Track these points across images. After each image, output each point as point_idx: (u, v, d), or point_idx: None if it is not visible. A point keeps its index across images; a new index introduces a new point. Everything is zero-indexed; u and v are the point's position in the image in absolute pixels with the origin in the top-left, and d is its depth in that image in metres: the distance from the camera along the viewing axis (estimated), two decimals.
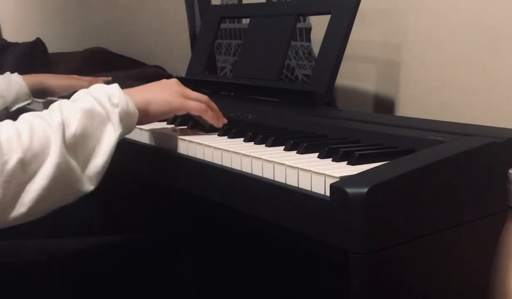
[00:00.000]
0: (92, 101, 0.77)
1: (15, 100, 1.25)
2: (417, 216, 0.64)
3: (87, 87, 1.23)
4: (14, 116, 1.17)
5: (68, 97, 0.85)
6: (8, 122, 0.73)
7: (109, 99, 0.79)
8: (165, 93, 0.88)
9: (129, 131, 0.82)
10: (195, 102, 0.91)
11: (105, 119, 0.77)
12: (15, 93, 1.25)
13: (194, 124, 0.98)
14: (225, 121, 0.96)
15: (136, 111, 0.82)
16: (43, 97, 1.35)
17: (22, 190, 0.69)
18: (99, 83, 1.24)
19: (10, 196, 0.68)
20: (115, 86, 0.82)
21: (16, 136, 0.70)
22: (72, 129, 0.74)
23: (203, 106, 0.91)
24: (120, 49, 2.21)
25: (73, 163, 0.73)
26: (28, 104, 1.29)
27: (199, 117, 0.93)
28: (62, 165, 0.71)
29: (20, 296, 0.90)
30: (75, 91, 1.25)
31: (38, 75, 1.34)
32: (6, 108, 1.25)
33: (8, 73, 1.29)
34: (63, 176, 0.72)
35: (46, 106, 1.31)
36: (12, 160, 0.68)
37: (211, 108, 0.94)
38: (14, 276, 0.90)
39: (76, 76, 1.42)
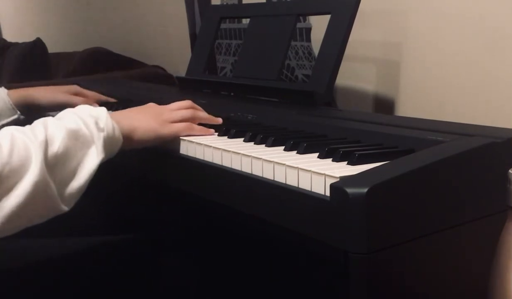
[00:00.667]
0: (78, 122, 0.76)
1: None
2: (417, 216, 0.64)
3: (77, 104, 1.23)
4: None
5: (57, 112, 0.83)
6: None
7: (96, 122, 0.78)
8: (151, 120, 0.87)
9: (111, 155, 0.81)
10: (180, 124, 0.90)
11: (89, 142, 0.76)
12: None
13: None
14: (219, 121, 0.95)
15: (121, 137, 0.81)
16: (30, 112, 1.22)
17: None
18: (92, 100, 1.23)
19: None
20: (103, 109, 0.81)
21: None
22: (55, 148, 0.72)
23: (188, 125, 0.90)
24: (120, 49, 2.21)
25: (51, 183, 0.71)
26: (15, 120, 1.18)
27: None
28: (40, 183, 0.69)
29: (20, 296, 0.90)
30: (65, 107, 1.24)
31: (25, 90, 1.21)
32: None
33: None
34: (39, 195, 0.70)
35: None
36: None
37: (199, 119, 0.93)
38: (13, 276, 0.90)
39: (69, 89, 1.27)
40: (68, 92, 1.23)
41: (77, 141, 0.75)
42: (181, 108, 0.93)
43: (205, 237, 1.19)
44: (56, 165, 0.72)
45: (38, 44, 2.13)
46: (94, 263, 0.98)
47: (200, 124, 0.94)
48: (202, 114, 0.95)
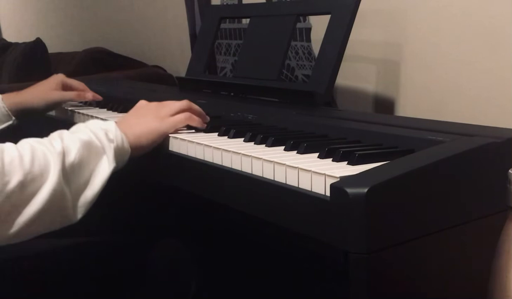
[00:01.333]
0: (90, 134, 0.80)
1: None
2: (417, 216, 0.64)
3: (73, 100, 1.22)
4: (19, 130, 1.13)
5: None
6: (10, 144, 0.74)
7: (106, 134, 0.82)
8: (150, 121, 0.90)
9: (121, 166, 0.84)
10: (177, 116, 0.93)
11: (101, 153, 0.80)
12: None
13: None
14: (207, 119, 0.98)
15: (129, 148, 0.85)
16: (26, 116, 1.21)
17: (18, 212, 0.71)
18: (86, 93, 1.24)
19: (5, 216, 0.70)
20: (111, 123, 0.85)
21: (19, 158, 0.72)
22: (71, 158, 0.76)
23: (187, 115, 0.94)
24: (120, 49, 2.21)
25: (67, 191, 0.75)
26: (11, 125, 1.17)
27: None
28: (57, 191, 0.73)
29: (19, 295, 0.90)
30: (60, 104, 1.22)
31: (18, 95, 1.19)
32: None
33: None
34: (56, 203, 0.73)
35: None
36: (13, 182, 0.70)
37: (194, 110, 0.96)
38: (13, 275, 0.90)
39: (55, 81, 1.23)
40: (57, 87, 1.21)
41: (90, 152, 0.79)
42: (176, 103, 0.96)
43: (205, 237, 1.19)
44: (72, 175, 0.76)
45: (38, 44, 2.13)
46: (93, 263, 0.98)
47: None
48: (197, 106, 0.98)
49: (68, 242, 1.02)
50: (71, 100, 1.24)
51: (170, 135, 0.94)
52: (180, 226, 1.25)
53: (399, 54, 1.26)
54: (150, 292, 0.99)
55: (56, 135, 0.79)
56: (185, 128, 0.96)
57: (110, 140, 0.81)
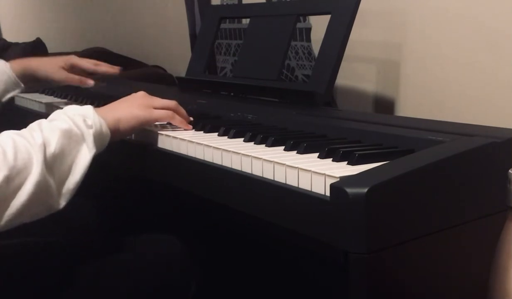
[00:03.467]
0: (69, 122, 0.81)
1: (4, 91, 1.17)
2: (417, 216, 0.64)
3: (76, 84, 1.23)
4: (6, 106, 1.17)
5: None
6: None
7: (84, 120, 0.83)
8: (133, 108, 0.93)
9: (101, 150, 0.86)
10: (161, 110, 0.96)
11: (80, 140, 0.81)
12: (3, 83, 1.17)
13: (194, 125, 0.99)
14: (190, 127, 0.99)
15: (108, 131, 0.86)
16: (35, 84, 1.26)
17: (4, 205, 0.72)
18: (87, 81, 1.26)
19: None
20: (89, 107, 0.86)
21: (2, 154, 0.73)
22: (52, 148, 0.77)
23: (169, 113, 0.97)
24: (120, 49, 2.21)
25: (51, 181, 0.76)
26: (20, 92, 1.21)
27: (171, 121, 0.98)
28: (41, 183, 0.75)
29: (18, 295, 0.90)
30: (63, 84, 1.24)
31: (27, 60, 1.22)
32: None
33: None
34: (41, 193, 0.75)
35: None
36: None
37: (179, 113, 0.99)
38: (13, 275, 0.90)
39: (67, 60, 1.25)
40: (65, 65, 1.24)
41: (70, 140, 0.80)
42: (166, 101, 0.98)
43: (205, 237, 1.19)
44: (54, 165, 0.78)
45: (38, 44, 2.13)
46: (92, 263, 0.98)
47: None
48: (183, 110, 1.01)
49: (69, 242, 1.02)
50: (74, 84, 1.25)
51: (169, 134, 0.94)
52: (180, 226, 1.25)
53: (399, 54, 1.26)
54: (150, 292, 0.99)
55: (35, 126, 0.80)
56: (194, 129, 0.96)
57: (89, 126, 0.83)
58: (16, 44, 2.30)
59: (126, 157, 1.02)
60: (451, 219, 0.68)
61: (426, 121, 0.92)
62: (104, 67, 1.29)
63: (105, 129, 0.85)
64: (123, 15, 2.35)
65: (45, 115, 0.85)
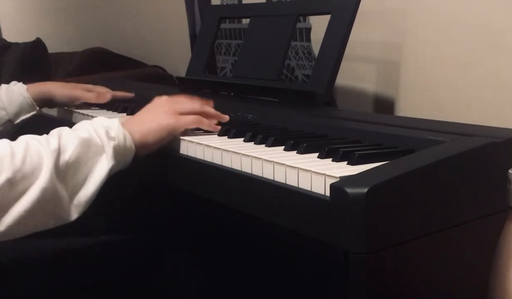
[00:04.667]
0: (90, 132, 0.79)
1: (18, 112, 1.16)
2: (417, 216, 0.64)
3: (92, 101, 1.23)
4: (20, 128, 1.15)
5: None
6: (4, 141, 0.74)
7: (107, 132, 0.80)
8: (160, 117, 0.89)
9: (125, 165, 0.83)
10: (188, 117, 0.91)
11: (100, 151, 0.78)
12: (17, 104, 1.15)
13: None
14: (226, 118, 0.97)
15: (133, 146, 0.83)
16: (49, 107, 1.26)
17: (5, 210, 0.70)
18: (105, 94, 1.26)
19: None
20: (115, 121, 0.84)
21: (10, 156, 0.71)
22: (66, 156, 0.75)
23: (197, 118, 0.92)
24: (120, 49, 2.21)
25: (61, 190, 0.74)
26: (34, 115, 1.19)
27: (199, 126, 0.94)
28: (49, 190, 0.72)
29: (20, 295, 0.90)
30: (81, 102, 1.24)
31: (43, 85, 1.22)
32: (10, 121, 1.16)
33: (13, 83, 1.20)
34: (47, 202, 0.72)
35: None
36: (1, 179, 0.69)
37: (207, 113, 0.95)
38: (14, 276, 0.90)
39: (84, 86, 1.28)
40: (83, 89, 1.25)
41: (89, 150, 0.77)
42: (192, 103, 0.95)
43: (205, 237, 1.19)
44: (67, 173, 0.75)
45: (38, 44, 2.13)
46: (94, 263, 0.98)
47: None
48: (211, 110, 0.97)
49: (70, 242, 1.02)
50: (91, 101, 1.25)
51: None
52: (179, 226, 1.25)
53: (399, 54, 1.26)
54: (150, 292, 0.99)
55: (55, 133, 0.78)
56: (194, 129, 0.95)
57: (111, 138, 0.80)
58: (16, 44, 2.30)
59: None
60: (451, 219, 0.68)
61: (426, 121, 0.92)
62: (109, 95, 1.27)
63: (129, 143, 0.82)
64: (123, 15, 2.35)
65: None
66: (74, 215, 0.76)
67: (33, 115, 1.18)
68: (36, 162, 0.72)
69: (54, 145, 0.74)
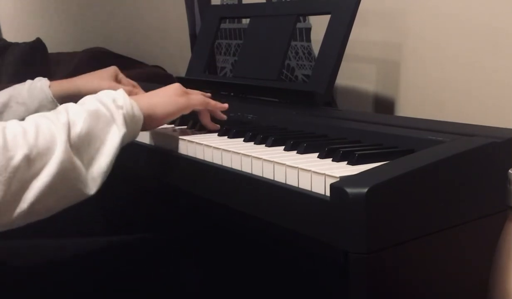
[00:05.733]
0: (97, 104, 0.78)
1: (38, 109, 1.11)
2: (417, 216, 0.64)
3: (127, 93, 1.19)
4: None
5: None
6: (14, 121, 0.73)
7: (114, 101, 0.80)
8: (169, 94, 0.90)
9: (135, 135, 0.83)
10: (198, 96, 0.94)
11: (109, 120, 0.78)
12: (37, 101, 1.11)
13: (194, 124, 0.99)
14: (225, 106, 0.99)
15: (141, 114, 0.83)
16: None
17: (25, 187, 0.69)
18: (138, 88, 1.21)
19: (13, 192, 0.68)
20: (121, 91, 0.83)
21: (22, 133, 0.70)
22: (77, 129, 0.74)
23: (206, 98, 0.95)
24: (120, 49, 2.21)
25: (78, 163, 0.73)
26: None
27: (202, 116, 0.95)
28: (66, 163, 0.71)
29: (20, 296, 0.90)
30: None
31: (68, 81, 1.17)
32: None
33: (37, 78, 1.15)
34: (67, 175, 0.72)
35: None
36: (18, 156, 0.68)
37: (210, 105, 0.96)
38: (14, 276, 0.90)
39: (109, 72, 1.22)
40: (111, 78, 1.19)
41: (99, 120, 0.77)
42: (198, 92, 0.97)
43: (205, 236, 1.19)
44: (81, 146, 0.74)
45: (38, 44, 2.12)
46: (94, 264, 0.98)
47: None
48: (214, 103, 0.98)
49: (70, 242, 1.02)
50: None
51: (169, 134, 0.94)
52: (179, 226, 1.25)
53: (399, 54, 1.26)
54: (150, 292, 0.99)
55: (62, 108, 0.78)
56: (194, 129, 0.96)
57: (119, 107, 0.80)
58: (16, 44, 2.30)
59: (123, 157, 1.02)
60: (451, 219, 0.68)
61: (426, 121, 0.92)
62: (142, 93, 1.18)
63: (137, 111, 0.82)
64: (123, 15, 2.35)
65: None
66: (93, 188, 0.76)
67: None
68: (49, 137, 0.71)
69: (63, 119, 0.74)
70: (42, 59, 2.12)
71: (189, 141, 0.89)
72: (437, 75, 1.19)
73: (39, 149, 0.70)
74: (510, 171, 0.50)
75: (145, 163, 1.00)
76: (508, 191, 0.51)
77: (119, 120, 0.79)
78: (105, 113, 0.78)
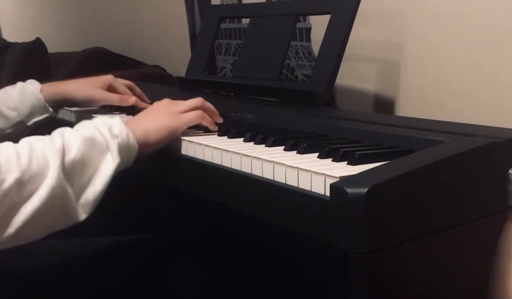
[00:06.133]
0: (93, 131, 0.78)
1: (30, 114, 1.09)
2: (417, 216, 0.64)
3: (116, 103, 1.16)
4: (34, 131, 1.09)
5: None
6: (8, 143, 0.73)
7: (110, 129, 0.79)
8: (162, 118, 0.88)
9: (128, 163, 0.82)
10: (190, 113, 0.91)
11: (104, 149, 0.78)
12: (29, 106, 1.08)
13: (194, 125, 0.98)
14: (220, 120, 0.97)
15: (136, 144, 0.83)
16: (66, 107, 1.19)
17: (15, 211, 0.69)
18: (130, 98, 1.18)
19: (1, 216, 0.68)
20: (117, 119, 0.83)
21: (15, 156, 0.70)
22: (72, 155, 0.74)
23: (199, 113, 0.92)
24: (120, 49, 2.21)
25: (69, 189, 0.73)
26: (48, 117, 1.12)
27: (201, 122, 0.94)
28: (57, 189, 0.71)
29: (20, 296, 0.90)
30: (101, 103, 1.17)
31: (58, 85, 1.14)
32: (22, 122, 1.09)
33: (29, 81, 1.13)
34: (57, 201, 0.71)
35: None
36: (9, 180, 0.68)
37: (206, 109, 0.95)
38: (14, 276, 0.90)
39: (103, 81, 1.17)
40: (102, 87, 1.16)
41: (93, 148, 0.77)
42: (190, 101, 0.94)
43: (205, 237, 1.19)
44: (74, 172, 0.74)
45: (38, 44, 2.13)
46: (94, 264, 0.98)
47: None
48: (210, 104, 0.97)
49: (70, 243, 1.02)
50: (113, 103, 1.17)
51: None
52: (179, 226, 1.25)
53: (399, 54, 1.26)
54: (150, 292, 0.99)
55: (57, 133, 0.77)
56: (194, 129, 0.95)
57: (114, 136, 0.79)
58: (16, 44, 2.30)
59: None
60: (451, 219, 0.68)
61: (426, 121, 0.92)
62: (133, 99, 1.17)
63: (132, 140, 0.82)
64: (123, 15, 2.35)
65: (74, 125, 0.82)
66: (83, 215, 0.76)
67: (47, 118, 1.11)
68: (42, 162, 0.71)
69: (58, 144, 0.74)
70: (42, 59, 2.12)
71: (189, 141, 0.89)
72: (437, 75, 1.19)
73: (31, 174, 0.70)
74: (510, 171, 0.50)
75: (144, 163, 1.00)
76: (508, 191, 0.51)
77: (114, 149, 0.78)
78: (101, 141, 0.78)
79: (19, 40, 2.31)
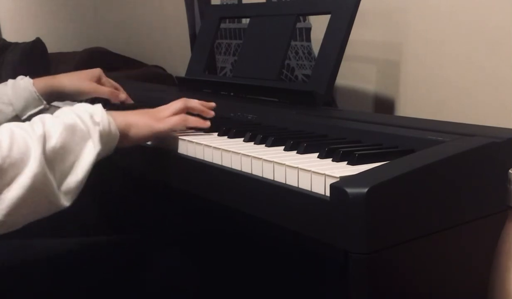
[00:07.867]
0: (74, 118, 0.78)
1: (24, 107, 1.11)
2: (417, 216, 0.64)
3: (106, 96, 1.18)
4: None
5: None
6: None
7: (91, 117, 0.79)
8: (145, 117, 0.89)
9: (109, 152, 0.82)
10: (174, 117, 0.91)
11: (85, 136, 0.77)
12: (23, 99, 1.10)
13: None
14: (211, 113, 0.97)
15: (117, 132, 0.82)
16: (59, 100, 1.20)
17: None
18: (120, 90, 1.22)
19: None
20: (99, 106, 0.83)
21: None
22: (53, 142, 0.74)
23: (182, 117, 0.92)
24: (120, 49, 2.21)
25: (50, 177, 0.72)
26: (42, 110, 1.13)
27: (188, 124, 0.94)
28: (39, 176, 0.70)
29: (19, 296, 0.90)
30: (91, 96, 1.19)
31: (51, 78, 1.17)
32: (17, 117, 1.10)
33: (19, 77, 1.15)
34: (39, 188, 0.71)
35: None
36: None
37: (191, 108, 0.95)
38: (13, 276, 0.90)
39: (93, 73, 1.21)
40: (92, 79, 1.19)
41: (75, 135, 0.76)
42: (172, 105, 0.94)
43: (204, 237, 1.19)
44: (55, 160, 0.74)
45: (38, 44, 2.13)
46: (92, 264, 0.98)
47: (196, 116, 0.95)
48: (194, 103, 0.96)
49: (64, 242, 1.02)
50: (104, 95, 1.20)
51: (169, 134, 0.94)
52: (179, 226, 1.25)
53: (399, 54, 1.26)
54: (149, 292, 0.99)
55: (37, 119, 0.77)
56: (193, 128, 0.95)
57: (96, 123, 0.79)
58: (16, 44, 2.30)
59: (123, 157, 1.02)
60: (451, 219, 0.68)
61: (426, 121, 0.92)
62: (124, 96, 1.21)
63: (113, 128, 0.81)
64: (123, 15, 2.35)
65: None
66: (65, 202, 0.75)
67: (41, 110, 1.13)
68: (23, 148, 0.70)
69: (39, 131, 0.73)
70: (42, 59, 2.12)
71: (189, 141, 0.89)
72: (437, 75, 1.19)
73: (12, 160, 0.69)
74: (510, 171, 0.50)
75: (144, 163, 1.00)
76: (508, 191, 0.51)
77: (95, 136, 0.78)
78: (82, 128, 0.77)
79: (19, 40, 2.31)
